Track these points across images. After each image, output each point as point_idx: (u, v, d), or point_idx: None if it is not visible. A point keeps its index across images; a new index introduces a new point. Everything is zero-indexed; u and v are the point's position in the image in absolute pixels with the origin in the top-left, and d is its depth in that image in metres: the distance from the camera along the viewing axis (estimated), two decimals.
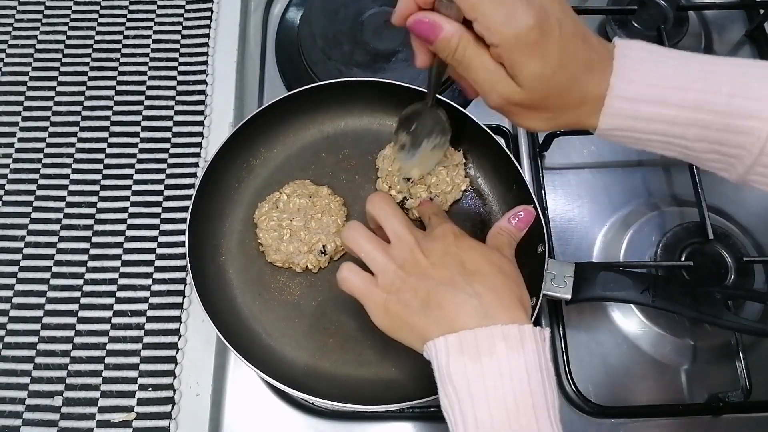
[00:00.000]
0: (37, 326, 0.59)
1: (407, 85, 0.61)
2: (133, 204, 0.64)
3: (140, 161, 0.66)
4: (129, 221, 0.63)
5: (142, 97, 0.69)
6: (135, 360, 0.57)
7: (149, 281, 0.61)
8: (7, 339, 0.58)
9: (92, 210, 0.64)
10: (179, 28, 0.73)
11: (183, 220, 0.57)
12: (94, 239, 0.62)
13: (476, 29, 0.37)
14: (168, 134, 0.67)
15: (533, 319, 0.52)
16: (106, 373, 0.57)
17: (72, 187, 0.65)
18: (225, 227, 0.62)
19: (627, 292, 0.50)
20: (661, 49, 0.40)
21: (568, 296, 0.52)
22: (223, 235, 0.61)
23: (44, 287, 0.60)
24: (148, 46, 0.72)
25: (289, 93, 0.62)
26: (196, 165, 0.66)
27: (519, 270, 0.46)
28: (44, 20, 0.73)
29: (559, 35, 0.37)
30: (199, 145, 0.67)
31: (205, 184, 0.59)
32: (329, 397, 0.51)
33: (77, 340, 0.58)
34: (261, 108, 0.61)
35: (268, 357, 0.56)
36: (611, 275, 0.52)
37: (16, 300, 0.60)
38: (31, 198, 0.64)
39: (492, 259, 0.44)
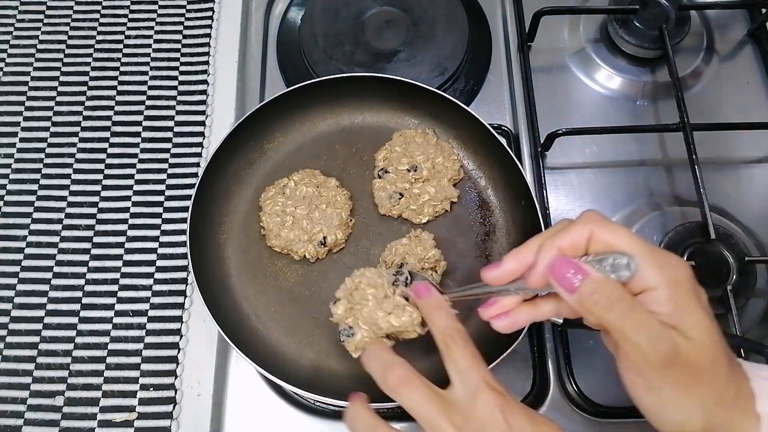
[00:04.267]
0: (39, 326, 0.59)
1: (428, 87, 0.62)
2: (135, 204, 0.64)
3: (141, 161, 0.66)
4: (130, 221, 0.63)
5: (143, 98, 0.69)
6: (136, 360, 0.57)
7: (151, 281, 0.61)
8: (9, 339, 0.58)
9: (93, 210, 0.64)
10: (180, 28, 0.73)
11: (184, 220, 0.57)
12: (96, 239, 0.62)
13: (632, 282, 0.36)
14: (169, 134, 0.67)
15: (524, 332, 0.52)
16: (107, 373, 0.57)
17: (73, 187, 0.65)
18: (231, 206, 0.62)
19: None
20: None
21: (560, 320, 0.51)
22: (227, 213, 0.62)
23: (46, 287, 0.60)
24: (149, 46, 0.72)
25: (310, 82, 0.62)
26: (197, 165, 0.66)
27: None
28: (45, 20, 0.73)
29: (708, 305, 0.36)
30: (200, 145, 0.67)
31: (216, 160, 0.59)
32: (310, 388, 0.51)
33: (79, 339, 0.58)
34: (282, 92, 0.62)
35: (254, 339, 0.57)
36: None
37: (17, 300, 0.60)
38: (32, 198, 0.64)
39: None
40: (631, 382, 0.37)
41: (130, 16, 0.74)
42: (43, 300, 0.60)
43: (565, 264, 0.36)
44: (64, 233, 0.63)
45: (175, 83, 0.70)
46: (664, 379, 0.35)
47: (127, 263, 0.61)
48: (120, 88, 0.70)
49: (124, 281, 0.61)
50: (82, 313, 0.59)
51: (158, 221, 0.63)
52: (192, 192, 0.58)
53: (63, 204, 0.64)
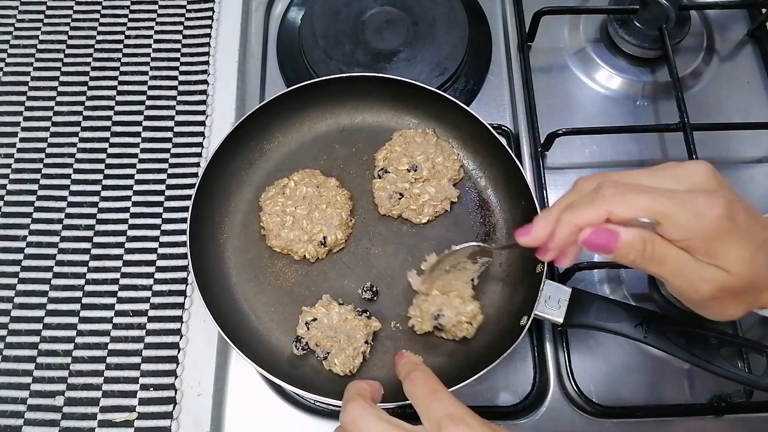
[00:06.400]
0: (39, 326, 0.59)
1: (428, 87, 0.62)
2: (135, 204, 0.64)
3: (141, 161, 0.66)
4: (130, 221, 0.63)
5: (143, 97, 0.69)
6: (136, 360, 0.57)
7: (151, 281, 0.61)
8: (9, 339, 0.58)
9: (94, 210, 0.64)
10: (180, 28, 0.73)
11: (184, 220, 0.57)
12: (96, 239, 0.62)
13: (662, 231, 0.36)
14: (169, 134, 0.67)
15: (524, 332, 0.52)
16: (107, 373, 0.57)
17: (73, 187, 0.65)
18: (230, 206, 0.62)
19: (620, 324, 0.50)
20: None
21: (560, 320, 0.52)
22: (227, 213, 0.62)
23: (46, 287, 0.60)
24: (149, 46, 0.72)
25: (310, 82, 0.62)
26: (197, 165, 0.66)
27: None
28: (46, 20, 0.73)
29: (744, 218, 0.37)
30: (200, 145, 0.67)
31: (216, 160, 0.59)
32: (309, 388, 0.51)
33: (79, 339, 0.58)
34: (282, 92, 0.62)
35: (254, 339, 0.57)
36: (606, 305, 0.51)
37: (18, 300, 0.60)
38: (32, 198, 0.64)
39: None
40: (676, 300, 0.41)
41: (130, 16, 0.74)
42: (43, 300, 0.60)
43: (596, 235, 0.37)
44: (64, 233, 0.63)
45: (175, 83, 0.70)
46: (707, 306, 0.39)
47: (127, 263, 0.61)
48: (120, 88, 0.70)
49: (124, 281, 0.61)
50: (82, 313, 0.59)
51: (158, 221, 0.63)
52: (192, 192, 0.58)
53: (63, 204, 0.64)
